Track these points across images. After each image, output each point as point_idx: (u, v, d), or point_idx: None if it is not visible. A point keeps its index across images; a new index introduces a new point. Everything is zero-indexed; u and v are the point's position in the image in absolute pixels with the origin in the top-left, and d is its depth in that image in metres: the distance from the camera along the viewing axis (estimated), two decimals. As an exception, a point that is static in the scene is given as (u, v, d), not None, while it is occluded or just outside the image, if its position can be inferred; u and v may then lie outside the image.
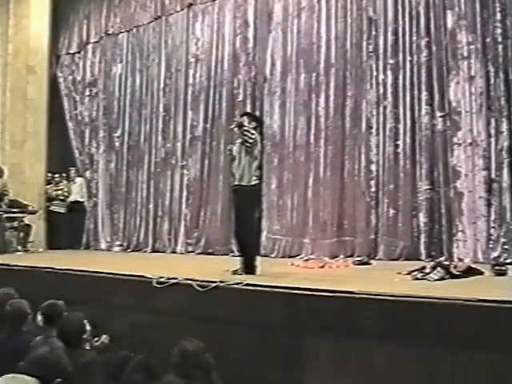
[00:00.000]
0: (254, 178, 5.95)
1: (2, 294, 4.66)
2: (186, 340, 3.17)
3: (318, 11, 8.92)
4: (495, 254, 6.93)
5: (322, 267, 7.01)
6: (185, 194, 10.29)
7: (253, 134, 5.87)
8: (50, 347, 3.81)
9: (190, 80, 10.46)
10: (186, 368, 3.01)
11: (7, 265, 7.30)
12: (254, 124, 6.10)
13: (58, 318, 4.16)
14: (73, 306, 4.47)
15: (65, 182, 11.79)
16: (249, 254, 5.99)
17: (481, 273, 5.49)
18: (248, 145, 5.81)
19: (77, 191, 11.66)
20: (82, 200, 11.72)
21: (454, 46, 7.54)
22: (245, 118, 6.20)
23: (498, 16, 7.19)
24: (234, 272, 5.79)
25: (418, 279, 5.21)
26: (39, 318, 4.43)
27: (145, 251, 10.67)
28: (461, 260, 6.87)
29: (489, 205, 7.15)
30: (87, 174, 12.02)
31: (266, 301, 4.50)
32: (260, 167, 6.07)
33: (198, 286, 4.87)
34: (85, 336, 3.95)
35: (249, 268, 5.81)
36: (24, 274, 6.67)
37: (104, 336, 4.48)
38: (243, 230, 6.10)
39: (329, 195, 8.58)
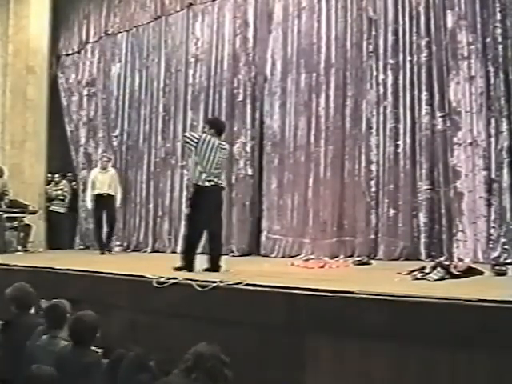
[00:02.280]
0: (197, 178, 6.12)
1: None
2: (203, 344, 3.13)
3: (319, 11, 8.92)
4: (495, 254, 6.92)
5: (322, 267, 7.01)
6: (185, 193, 10.28)
7: (188, 137, 6.34)
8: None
9: (190, 80, 10.45)
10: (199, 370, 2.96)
11: (7, 265, 7.31)
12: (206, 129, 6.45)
13: (63, 319, 4.20)
14: (73, 305, 4.46)
15: (64, 181, 11.79)
16: (188, 251, 6.15)
17: (481, 273, 5.48)
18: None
19: (108, 182, 9.76)
20: (113, 194, 9.80)
21: (454, 46, 7.53)
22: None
23: (498, 16, 7.17)
24: (177, 268, 5.92)
25: (417, 279, 5.21)
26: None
27: (145, 251, 10.67)
28: (461, 260, 6.86)
29: (489, 205, 7.14)
30: (85, 173, 12.02)
31: (265, 301, 4.50)
32: (205, 168, 6.11)
33: (198, 285, 4.87)
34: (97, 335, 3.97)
35: (187, 266, 5.98)
36: (24, 274, 6.66)
37: None
38: (187, 228, 6.36)
39: (329, 195, 8.58)
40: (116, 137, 11.56)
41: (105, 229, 9.97)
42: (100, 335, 4.03)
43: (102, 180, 9.74)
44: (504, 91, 7.08)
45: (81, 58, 12.39)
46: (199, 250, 6.43)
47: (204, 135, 6.29)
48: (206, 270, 6.09)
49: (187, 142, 6.36)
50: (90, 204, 9.90)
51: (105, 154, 10.51)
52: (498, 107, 7.13)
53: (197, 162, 6.16)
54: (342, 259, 7.84)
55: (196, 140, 6.21)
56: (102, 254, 9.57)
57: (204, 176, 6.10)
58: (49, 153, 11.82)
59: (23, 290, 4.80)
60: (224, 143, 6.49)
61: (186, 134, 6.60)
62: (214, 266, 6.10)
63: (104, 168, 9.91)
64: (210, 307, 4.75)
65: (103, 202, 9.68)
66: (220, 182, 6.32)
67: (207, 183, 6.12)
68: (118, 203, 9.89)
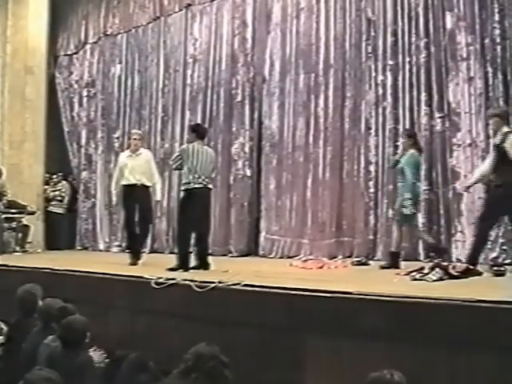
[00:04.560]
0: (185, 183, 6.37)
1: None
2: (203, 344, 3.12)
3: (317, 12, 8.92)
4: (494, 255, 6.93)
5: (320, 268, 7.01)
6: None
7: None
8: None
9: (188, 80, 10.46)
10: (199, 371, 2.95)
11: (5, 265, 7.30)
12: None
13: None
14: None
15: (63, 182, 11.80)
16: (182, 251, 6.36)
17: (479, 273, 5.48)
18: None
19: (141, 170, 7.45)
20: (148, 184, 7.51)
21: (452, 47, 7.55)
22: None
23: (497, 17, 7.19)
24: (170, 269, 6.03)
25: (416, 280, 5.19)
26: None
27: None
28: (459, 261, 6.86)
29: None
30: (85, 174, 12.03)
31: (264, 301, 4.49)
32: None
33: (197, 286, 4.86)
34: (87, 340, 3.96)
35: (184, 264, 6.17)
36: (22, 275, 6.65)
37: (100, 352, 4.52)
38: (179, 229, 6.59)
39: (328, 196, 8.58)
40: (117, 138, 11.54)
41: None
42: (99, 336, 4.03)
43: (131, 166, 7.46)
44: (503, 92, 7.10)
45: (80, 59, 12.40)
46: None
47: (185, 145, 6.59)
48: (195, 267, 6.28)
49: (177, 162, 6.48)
50: (114, 197, 7.77)
51: (135, 131, 8.28)
52: (496, 108, 7.13)
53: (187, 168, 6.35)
54: (341, 260, 7.84)
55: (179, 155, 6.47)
56: (134, 263, 7.33)
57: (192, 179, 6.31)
58: (47, 153, 11.80)
59: (29, 293, 4.78)
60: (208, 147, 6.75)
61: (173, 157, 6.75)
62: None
63: (135, 150, 7.57)
64: (208, 308, 4.74)
65: (135, 194, 7.42)
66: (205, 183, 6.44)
67: (185, 186, 6.38)
68: (157, 196, 7.72)
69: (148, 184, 7.48)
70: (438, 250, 6.98)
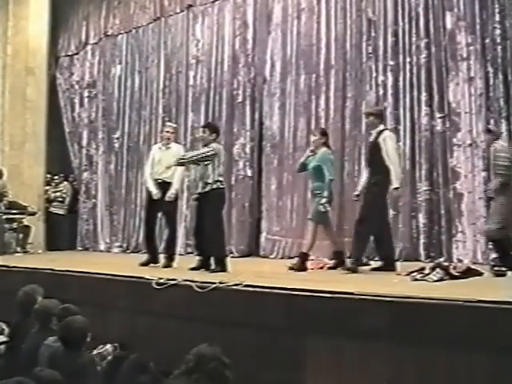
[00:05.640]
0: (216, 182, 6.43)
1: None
2: (204, 345, 3.12)
3: (318, 12, 8.92)
4: (494, 255, 6.91)
5: (321, 268, 7.01)
6: (185, 195, 10.27)
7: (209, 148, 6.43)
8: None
9: (191, 81, 10.46)
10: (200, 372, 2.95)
11: (6, 266, 7.31)
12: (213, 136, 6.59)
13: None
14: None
15: (65, 183, 11.81)
16: (216, 253, 6.42)
17: (480, 274, 5.49)
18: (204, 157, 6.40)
19: (166, 164, 7.11)
20: (170, 180, 7.18)
21: (453, 47, 7.54)
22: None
23: (497, 17, 7.19)
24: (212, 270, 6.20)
25: (417, 280, 5.20)
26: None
27: (144, 252, 10.63)
28: (460, 261, 6.86)
29: (488, 206, 7.13)
30: (87, 175, 12.03)
31: (265, 302, 4.49)
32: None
33: (198, 287, 4.87)
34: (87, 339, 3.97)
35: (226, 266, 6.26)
36: (23, 276, 6.66)
37: (109, 345, 4.52)
38: (207, 230, 6.55)
39: (328, 196, 8.57)
40: (117, 138, 11.56)
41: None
42: (100, 336, 4.03)
43: (159, 159, 7.19)
44: (503, 92, 7.09)
45: (80, 60, 12.41)
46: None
47: (216, 144, 6.53)
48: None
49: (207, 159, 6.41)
50: (153, 189, 7.13)
51: (169, 124, 8.13)
52: (497, 108, 7.13)
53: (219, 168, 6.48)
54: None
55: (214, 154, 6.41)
56: (144, 264, 7.14)
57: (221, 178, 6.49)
58: (48, 154, 11.80)
59: (27, 294, 4.80)
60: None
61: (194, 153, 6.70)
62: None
63: (165, 144, 7.29)
64: (209, 308, 4.75)
65: (159, 191, 7.12)
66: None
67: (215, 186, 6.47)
68: (169, 192, 7.07)
69: (169, 181, 7.14)
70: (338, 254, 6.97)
